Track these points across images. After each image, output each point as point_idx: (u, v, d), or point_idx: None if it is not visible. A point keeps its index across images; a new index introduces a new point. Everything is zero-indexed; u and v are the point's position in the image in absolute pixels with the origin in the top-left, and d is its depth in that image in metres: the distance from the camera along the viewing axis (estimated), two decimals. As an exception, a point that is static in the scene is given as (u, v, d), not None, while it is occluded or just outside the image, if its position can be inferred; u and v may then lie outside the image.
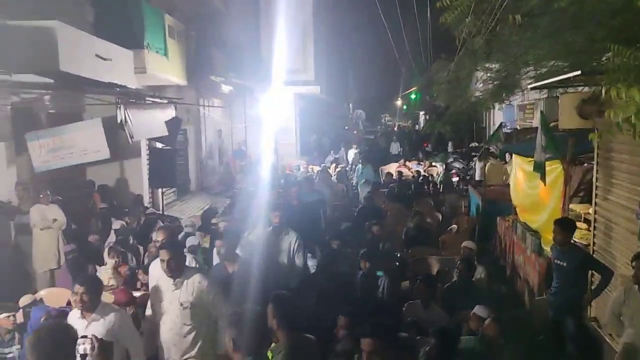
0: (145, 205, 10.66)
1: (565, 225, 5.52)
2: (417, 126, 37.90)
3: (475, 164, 15.68)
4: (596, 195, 6.04)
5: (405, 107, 46.19)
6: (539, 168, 6.30)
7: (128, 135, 8.65)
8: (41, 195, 7.96)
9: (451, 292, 5.90)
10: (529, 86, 7.42)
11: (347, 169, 18.61)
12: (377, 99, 50.86)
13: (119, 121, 8.48)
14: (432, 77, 21.91)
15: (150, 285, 4.53)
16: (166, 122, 10.48)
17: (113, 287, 5.99)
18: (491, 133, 14.14)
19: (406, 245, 8.40)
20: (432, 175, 17.00)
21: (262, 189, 10.55)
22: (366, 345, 3.10)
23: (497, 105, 13.47)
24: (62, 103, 8.77)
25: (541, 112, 6.93)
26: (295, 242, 5.95)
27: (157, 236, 5.31)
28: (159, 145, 11.51)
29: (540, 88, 7.83)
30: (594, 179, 6.13)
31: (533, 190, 7.60)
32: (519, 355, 4.05)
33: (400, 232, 8.94)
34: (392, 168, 17.66)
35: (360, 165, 14.76)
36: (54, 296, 6.04)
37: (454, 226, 9.73)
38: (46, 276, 7.89)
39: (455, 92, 11.04)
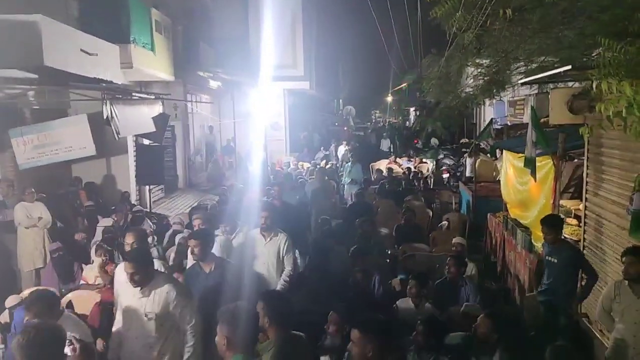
0: (132, 202, 10.60)
1: (551, 222, 5.56)
2: (407, 122, 37.97)
3: (465, 161, 15.75)
4: (586, 190, 6.09)
5: (394, 101, 46.27)
6: (530, 164, 6.34)
7: (114, 132, 8.58)
8: (26, 193, 7.88)
9: (442, 289, 5.92)
10: (520, 82, 7.46)
11: (338, 165, 18.63)
12: (367, 95, 50.90)
13: (105, 117, 8.41)
14: (422, 73, 21.98)
15: (116, 289, 4.39)
16: (153, 118, 10.43)
17: (100, 286, 5.94)
18: (482, 129, 14.22)
19: (397, 242, 8.42)
20: (422, 171, 17.05)
21: (252, 185, 10.55)
22: (356, 336, 3.10)
23: (487, 101, 13.54)
24: (46, 99, 8.67)
25: (532, 107, 6.96)
26: (285, 243, 5.74)
27: (127, 239, 4.96)
28: (146, 141, 11.45)
29: (530, 83, 7.88)
30: (584, 175, 6.18)
31: (523, 187, 7.65)
32: (509, 351, 4.07)
33: (390, 229, 8.95)
34: (383, 165, 17.70)
35: (349, 164, 14.37)
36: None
37: (445, 223, 9.77)
38: (31, 275, 7.82)
39: (446, 87, 11.06)
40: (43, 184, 8.98)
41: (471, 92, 10.51)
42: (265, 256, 5.71)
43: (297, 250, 7.57)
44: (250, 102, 17.62)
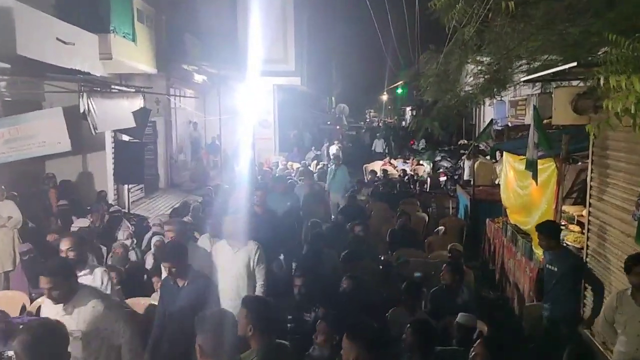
0: (110, 202, 10.53)
1: (545, 229, 5.55)
2: (403, 122, 38.11)
3: (464, 163, 15.83)
4: (590, 195, 6.11)
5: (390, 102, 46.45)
6: (531, 166, 6.35)
7: (91, 126, 8.53)
8: (-5, 191, 7.79)
9: (437, 297, 5.92)
10: (522, 79, 7.49)
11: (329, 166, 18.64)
12: (361, 93, 51.05)
13: (81, 111, 8.35)
14: (419, 70, 22.07)
15: (40, 305, 4.19)
16: (133, 112, 10.37)
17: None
18: (481, 130, 14.27)
19: (391, 248, 8.42)
20: (418, 174, 17.11)
21: (238, 187, 10.46)
22: (347, 345, 3.07)
23: (487, 101, 13.59)
24: (19, 90, 8.60)
25: (534, 107, 6.98)
26: (256, 253, 5.38)
27: (62, 245, 4.63)
28: (125, 137, 11.39)
29: (533, 82, 7.93)
30: (588, 179, 6.19)
31: (524, 191, 7.67)
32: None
33: (384, 234, 8.95)
34: (377, 166, 17.75)
35: (333, 167, 13.12)
36: (8, 300, 5.92)
37: (441, 228, 9.78)
38: (0, 278, 7.73)
39: (444, 86, 11.08)
40: (14, 181, 8.90)
41: (471, 91, 10.54)
42: (234, 268, 5.36)
43: (282, 257, 7.56)
44: (237, 98, 17.59)
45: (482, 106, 18.04)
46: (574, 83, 6.85)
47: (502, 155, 10.34)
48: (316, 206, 9.94)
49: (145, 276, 6.81)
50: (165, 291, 4.78)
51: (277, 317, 3.60)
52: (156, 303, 5.08)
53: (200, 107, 18.27)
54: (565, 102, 5.84)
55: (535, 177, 6.38)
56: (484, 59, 9.38)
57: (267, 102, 20.41)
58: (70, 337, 3.35)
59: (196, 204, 9.66)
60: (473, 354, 3.97)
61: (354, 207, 10.00)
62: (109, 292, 4.56)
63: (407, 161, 19.44)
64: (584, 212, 6.57)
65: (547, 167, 6.61)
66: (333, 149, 20.70)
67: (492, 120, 13.42)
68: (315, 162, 18.93)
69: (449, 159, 19.39)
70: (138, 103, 10.88)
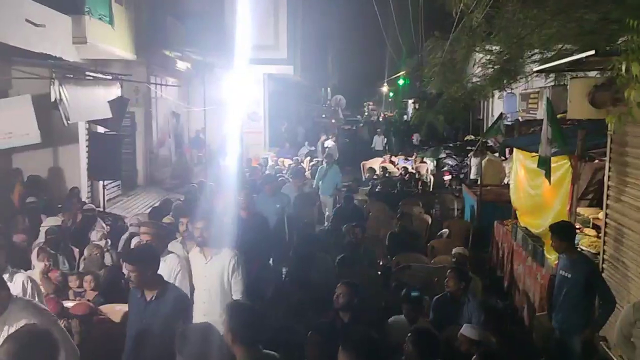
0: (83, 200, 10.47)
1: (558, 230, 5.57)
2: (405, 116, 38.15)
3: (470, 161, 15.85)
4: (608, 196, 6.13)
5: (391, 94, 46.49)
6: (544, 164, 6.36)
7: (63, 117, 8.48)
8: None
9: (440, 306, 5.92)
10: (534, 70, 7.51)
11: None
12: (359, 84, 51.11)
13: (52, 99, 8.31)
14: (423, 59, 22.05)
15: None
16: (109, 102, 10.34)
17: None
18: (489, 125, 14.29)
19: (390, 252, 8.42)
20: (420, 172, 17.12)
21: (224, 185, 10.41)
22: (343, 358, 3.06)
23: (497, 93, 13.63)
24: (-17, 76, 8.55)
25: (547, 99, 6.98)
26: (230, 262, 5.08)
27: None
28: (100, 129, 11.34)
29: (546, 72, 7.93)
30: (605, 178, 6.21)
31: (536, 191, 7.68)
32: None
33: (383, 237, 8.94)
34: (376, 163, 17.74)
35: (324, 165, 12.84)
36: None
37: (445, 231, 9.80)
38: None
39: (450, 76, 11.12)
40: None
41: (478, 83, 10.58)
42: (206, 280, 5.11)
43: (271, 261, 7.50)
44: (224, 88, 17.51)
45: (490, 99, 18.09)
46: (591, 74, 6.86)
47: (512, 153, 10.36)
48: (307, 208, 9.88)
49: (123, 281, 6.77)
50: (131, 305, 4.53)
51: (263, 324, 3.55)
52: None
53: (184, 97, 18.22)
54: (581, 95, 5.85)
55: (548, 176, 6.39)
56: (494, 47, 9.41)
57: (256, 93, 20.35)
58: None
59: (178, 202, 9.62)
60: None
61: (351, 207, 9.99)
62: (36, 300, 4.39)
63: (409, 158, 19.45)
64: (601, 215, 6.58)
65: (561, 165, 6.62)
66: (328, 144, 20.69)
67: (501, 114, 13.46)
68: (308, 158, 18.89)
69: (454, 156, 19.40)
70: (115, 92, 10.84)
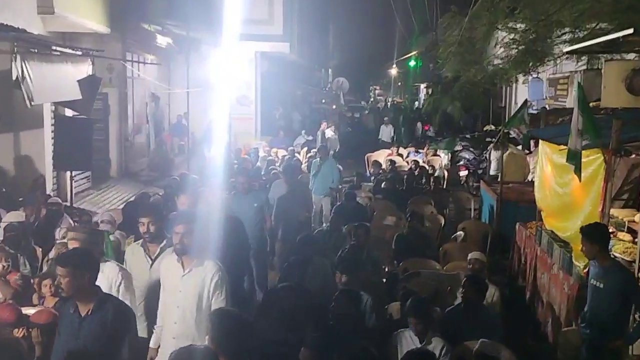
0: (48, 193, 10.47)
1: (589, 232, 5.57)
2: (416, 103, 38.18)
3: (490, 154, 15.84)
4: (645, 196, 6.14)
5: (401, 77, 46.46)
6: (574, 159, 6.35)
7: (26, 97, 8.44)
8: None
9: (454, 318, 5.93)
10: (564, 51, 7.50)
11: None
12: (365, 66, 51.09)
13: (14, 77, 8.27)
14: (438, 38, 22.07)
15: None
16: (79, 81, 10.29)
17: (-3, 301, 5.84)
18: (512, 114, 14.30)
19: (397, 256, 8.43)
20: (433, 166, 17.12)
21: (210, 178, 10.37)
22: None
23: (521, 78, 13.64)
24: None
25: (579, 85, 6.97)
26: (212, 277, 4.79)
27: None
28: (69, 112, 11.31)
29: (578, 53, 7.92)
30: (643, 176, 6.22)
31: (564, 189, 7.69)
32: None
33: (389, 239, 8.95)
34: (382, 156, 17.75)
35: (318, 159, 12.51)
36: None
37: (460, 233, 9.81)
38: None
39: (468, 57, 11.14)
40: None
41: (500, 65, 10.58)
42: (181, 296, 4.82)
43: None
44: (210, 68, 17.51)
45: (514, 84, 18.10)
46: (629, 56, 6.86)
47: (537, 145, 10.35)
48: (295, 209, 9.63)
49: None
50: (62, 322, 4.34)
51: (249, 334, 3.56)
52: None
53: (164, 77, 18.18)
54: (617, 80, 5.86)
55: (578, 172, 6.38)
56: (518, 25, 9.41)
57: (247, 74, 20.35)
58: None
59: (157, 197, 9.62)
60: None
61: (352, 206, 9.99)
62: None
63: (420, 151, 19.46)
64: (637, 217, 6.58)
65: (593, 160, 6.62)
66: (328, 134, 20.68)
67: (525, 101, 13.42)
68: (305, 149, 18.87)
69: (471, 148, 19.38)
70: (85, 70, 10.79)
